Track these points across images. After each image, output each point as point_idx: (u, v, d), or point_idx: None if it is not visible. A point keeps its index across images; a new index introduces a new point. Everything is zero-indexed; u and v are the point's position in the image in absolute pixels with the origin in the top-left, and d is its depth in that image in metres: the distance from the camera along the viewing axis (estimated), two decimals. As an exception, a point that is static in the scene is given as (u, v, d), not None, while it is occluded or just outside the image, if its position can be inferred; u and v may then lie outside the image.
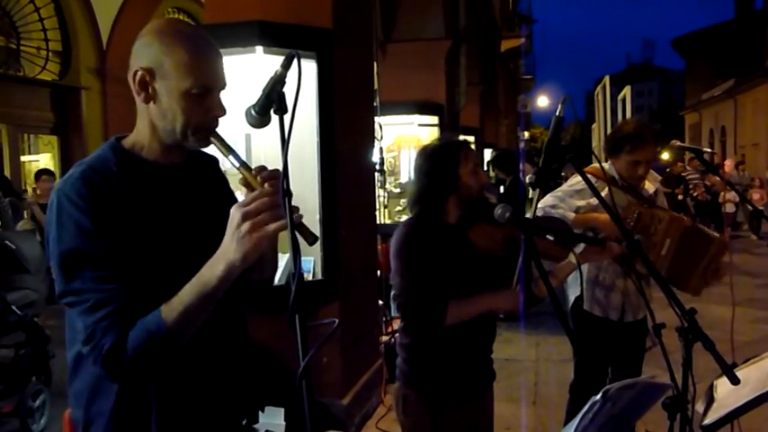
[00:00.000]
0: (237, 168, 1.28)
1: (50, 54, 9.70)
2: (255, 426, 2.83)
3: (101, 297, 1.24)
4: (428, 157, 2.28)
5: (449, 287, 2.18)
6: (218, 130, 1.39)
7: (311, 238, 1.21)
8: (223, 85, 1.38)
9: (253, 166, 1.29)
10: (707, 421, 1.68)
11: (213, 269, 1.21)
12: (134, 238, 1.29)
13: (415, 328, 2.28)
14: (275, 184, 1.23)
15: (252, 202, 1.19)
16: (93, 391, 1.37)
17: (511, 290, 2.18)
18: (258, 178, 1.25)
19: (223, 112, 1.38)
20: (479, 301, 2.18)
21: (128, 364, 1.23)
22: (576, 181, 2.94)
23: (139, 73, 1.32)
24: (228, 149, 1.32)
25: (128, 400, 1.35)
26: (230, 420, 1.53)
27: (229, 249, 1.19)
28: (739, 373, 1.49)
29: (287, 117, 1.26)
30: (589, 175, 2.09)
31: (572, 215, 2.82)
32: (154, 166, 1.40)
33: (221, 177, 1.61)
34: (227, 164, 1.37)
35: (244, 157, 1.32)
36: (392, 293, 2.26)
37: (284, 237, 1.20)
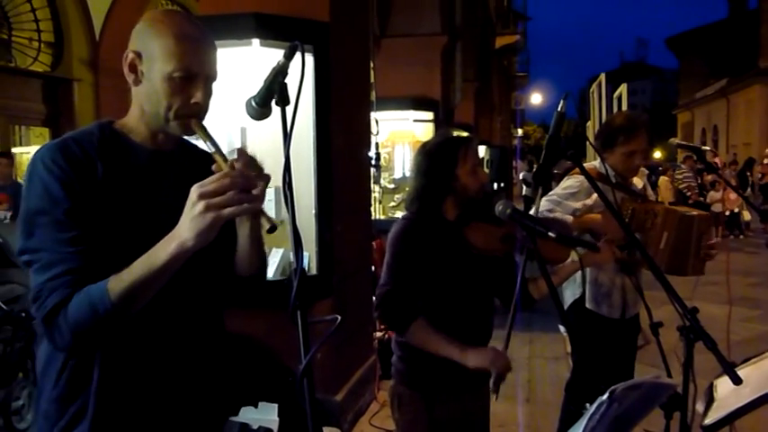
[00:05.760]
0: (212, 154, 1.28)
1: (42, 45, 9.58)
2: (249, 422, 2.81)
3: (54, 257, 1.25)
4: (426, 155, 2.25)
5: (441, 286, 2.17)
6: (205, 120, 1.39)
7: (269, 225, 1.18)
8: (211, 75, 1.39)
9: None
10: (707, 421, 1.66)
11: (165, 246, 1.20)
12: (103, 211, 1.30)
13: (382, 319, 2.26)
14: (242, 167, 1.22)
15: (212, 182, 1.17)
16: (48, 359, 1.37)
17: (486, 349, 2.14)
18: (229, 161, 1.24)
19: (205, 100, 1.38)
20: (447, 345, 2.10)
21: (67, 328, 1.22)
22: (569, 183, 2.91)
23: (130, 55, 1.38)
24: (207, 136, 1.32)
25: (70, 371, 1.34)
26: (204, 414, 1.50)
27: (183, 228, 1.18)
28: (740, 373, 1.47)
29: (289, 108, 1.23)
30: (583, 175, 2.08)
31: (570, 218, 2.80)
32: (139, 149, 1.42)
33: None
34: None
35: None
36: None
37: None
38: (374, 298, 5.07)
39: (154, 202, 1.38)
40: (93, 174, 1.31)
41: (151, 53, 1.35)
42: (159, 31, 1.35)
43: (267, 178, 1.25)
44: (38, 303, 1.25)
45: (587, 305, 3.01)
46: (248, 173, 1.21)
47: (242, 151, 1.27)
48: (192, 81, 1.36)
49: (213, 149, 1.28)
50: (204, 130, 1.35)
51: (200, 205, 1.15)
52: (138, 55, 1.36)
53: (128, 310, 1.23)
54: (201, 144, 1.42)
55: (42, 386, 1.39)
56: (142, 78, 1.37)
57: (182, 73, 1.33)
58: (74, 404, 1.34)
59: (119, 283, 1.21)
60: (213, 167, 1.25)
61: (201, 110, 1.39)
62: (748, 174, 16.44)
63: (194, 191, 1.17)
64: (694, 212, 2.77)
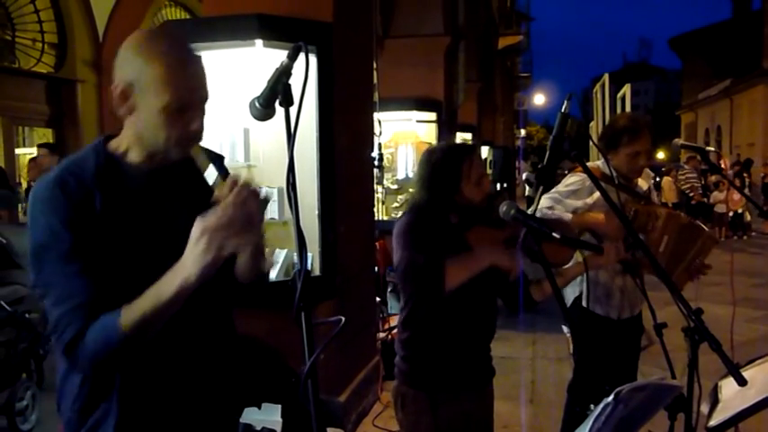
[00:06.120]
0: (216, 183, 1.31)
1: (46, 46, 9.61)
2: (252, 422, 2.81)
3: (65, 291, 1.28)
4: (431, 167, 2.24)
5: None
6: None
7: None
8: (204, 97, 1.38)
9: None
10: (712, 423, 1.66)
11: (169, 282, 1.23)
12: (107, 239, 1.31)
13: (417, 294, 2.22)
14: (240, 200, 1.22)
15: (214, 218, 1.19)
16: (66, 373, 1.41)
17: (500, 248, 2.13)
18: (230, 188, 1.24)
19: (200, 127, 1.37)
20: (476, 255, 2.11)
21: (87, 358, 1.26)
22: (571, 181, 2.91)
23: (120, 86, 1.35)
24: (209, 161, 1.34)
25: (91, 384, 1.37)
26: (216, 415, 1.52)
27: (186, 263, 1.21)
28: (745, 375, 1.47)
29: (293, 109, 1.23)
30: (586, 175, 2.08)
31: (569, 216, 2.79)
32: (135, 171, 1.41)
33: (205, 184, 1.59)
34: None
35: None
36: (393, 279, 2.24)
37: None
38: (389, 303, 5.06)
39: (156, 223, 1.40)
40: (91, 206, 1.32)
41: (143, 84, 1.32)
42: (148, 60, 1.31)
43: (264, 205, 1.27)
44: (56, 336, 1.29)
45: (586, 304, 3.00)
46: (248, 206, 1.22)
47: (236, 182, 1.26)
48: (188, 109, 1.35)
49: (221, 175, 1.30)
50: (205, 156, 1.37)
51: (203, 241, 1.18)
52: (130, 86, 1.33)
53: (141, 338, 1.26)
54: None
55: (63, 395, 1.42)
56: (135, 109, 1.35)
57: (177, 104, 1.32)
58: (94, 414, 1.37)
59: (130, 314, 1.24)
60: (215, 196, 1.27)
61: (200, 134, 1.39)
62: (745, 175, 16.39)
63: (197, 226, 1.20)
64: (706, 228, 2.80)
